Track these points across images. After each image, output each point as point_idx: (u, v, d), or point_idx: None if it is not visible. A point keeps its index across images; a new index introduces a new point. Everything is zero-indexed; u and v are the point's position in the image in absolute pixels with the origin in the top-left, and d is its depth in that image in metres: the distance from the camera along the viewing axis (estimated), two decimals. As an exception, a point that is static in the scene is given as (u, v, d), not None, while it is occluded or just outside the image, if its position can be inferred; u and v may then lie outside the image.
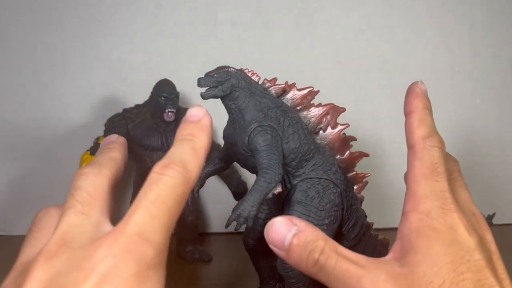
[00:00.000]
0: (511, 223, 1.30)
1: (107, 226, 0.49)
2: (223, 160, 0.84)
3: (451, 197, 0.54)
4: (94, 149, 0.99)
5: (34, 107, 1.20)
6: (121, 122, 1.02)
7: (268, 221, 0.83)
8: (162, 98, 0.99)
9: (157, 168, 0.49)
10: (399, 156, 1.26)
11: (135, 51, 1.20)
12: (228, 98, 0.75)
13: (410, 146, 0.59)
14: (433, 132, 0.59)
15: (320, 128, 0.80)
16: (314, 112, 0.79)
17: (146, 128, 1.01)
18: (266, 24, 1.21)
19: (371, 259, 0.52)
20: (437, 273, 0.49)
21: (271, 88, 0.78)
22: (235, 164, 0.95)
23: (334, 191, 0.78)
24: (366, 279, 0.50)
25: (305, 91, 0.79)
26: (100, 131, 1.04)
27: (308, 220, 0.74)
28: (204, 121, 0.55)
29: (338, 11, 1.22)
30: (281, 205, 0.79)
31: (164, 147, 1.01)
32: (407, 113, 0.60)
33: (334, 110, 0.81)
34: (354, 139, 0.83)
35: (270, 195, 0.70)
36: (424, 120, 0.59)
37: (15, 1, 1.18)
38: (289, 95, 0.79)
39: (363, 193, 0.85)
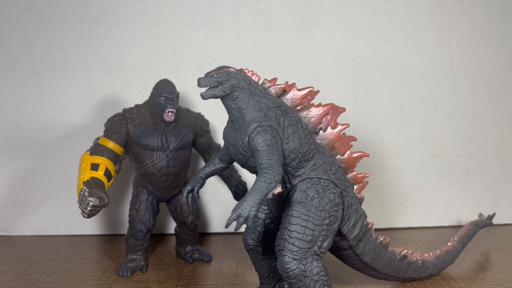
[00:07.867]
0: (511, 223, 1.30)
1: None
2: (223, 160, 0.84)
3: None
4: (94, 149, 0.99)
5: (34, 107, 1.20)
6: (121, 122, 1.02)
7: (268, 221, 0.84)
8: (162, 98, 0.99)
9: None
10: (399, 156, 1.27)
11: (135, 51, 1.20)
12: (228, 98, 0.75)
13: None
14: None
15: (320, 128, 0.80)
16: (314, 112, 0.79)
17: (146, 128, 1.01)
18: (266, 24, 1.21)
19: None
20: None
21: (271, 88, 0.79)
22: (235, 164, 0.96)
23: (334, 191, 0.78)
24: None
25: (305, 91, 0.79)
26: (100, 131, 1.04)
27: (308, 220, 0.75)
28: None
29: (338, 11, 1.22)
30: (281, 205, 0.79)
31: (164, 147, 1.01)
32: None
33: (334, 110, 0.81)
34: (354, 139, 0.83)
35: (270, 195, 0.70)
36: None
37: (15, 1, 1.18)
38: (289, 95, 0.79)
39: (363, 193, 0.85)
